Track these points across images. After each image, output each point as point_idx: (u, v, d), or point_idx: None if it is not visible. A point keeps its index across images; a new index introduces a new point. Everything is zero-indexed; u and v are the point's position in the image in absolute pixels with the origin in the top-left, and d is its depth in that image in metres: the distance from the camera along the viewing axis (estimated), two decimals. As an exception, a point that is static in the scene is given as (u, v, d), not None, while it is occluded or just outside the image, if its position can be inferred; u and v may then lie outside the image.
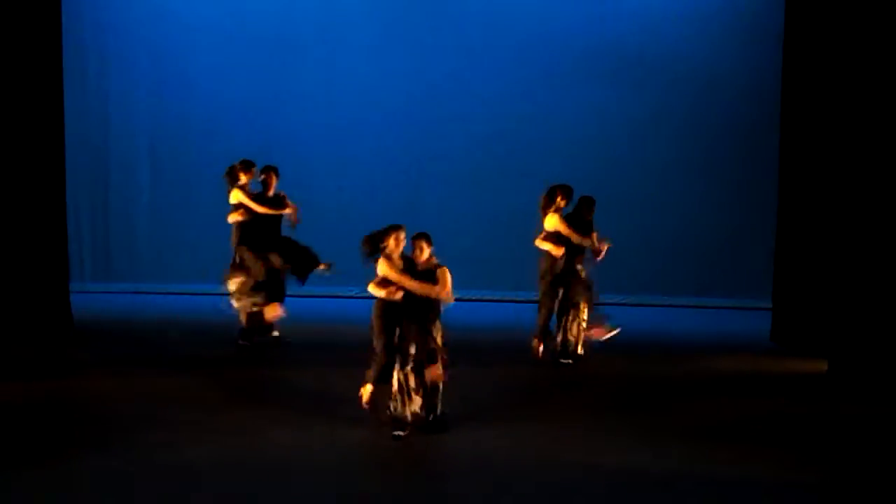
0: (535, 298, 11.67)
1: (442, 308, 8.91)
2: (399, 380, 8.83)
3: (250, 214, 11.84)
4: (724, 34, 15.36)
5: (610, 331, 11.70)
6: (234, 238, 11.95)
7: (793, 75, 12.89)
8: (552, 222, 11.38)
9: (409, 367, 8.81)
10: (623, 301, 14.52)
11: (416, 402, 8.85)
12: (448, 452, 8.66)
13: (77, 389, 10.36)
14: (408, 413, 8.83)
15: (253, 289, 11.86)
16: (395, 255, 8.84)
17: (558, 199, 11.41)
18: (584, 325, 11.58)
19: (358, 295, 13.62)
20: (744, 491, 7.87)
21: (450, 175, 15.60)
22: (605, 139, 15.46)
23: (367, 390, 8.94)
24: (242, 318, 11.99)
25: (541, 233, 11.45)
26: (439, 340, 8.85)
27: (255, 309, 11.92)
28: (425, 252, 8.87)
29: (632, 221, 15.03)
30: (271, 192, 11.97)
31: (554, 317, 11.54)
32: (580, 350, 11.60)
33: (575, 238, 11.43)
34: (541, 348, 11.53)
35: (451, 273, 8.83)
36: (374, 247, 8.83)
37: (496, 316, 14.24)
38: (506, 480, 8.04)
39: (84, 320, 13.22)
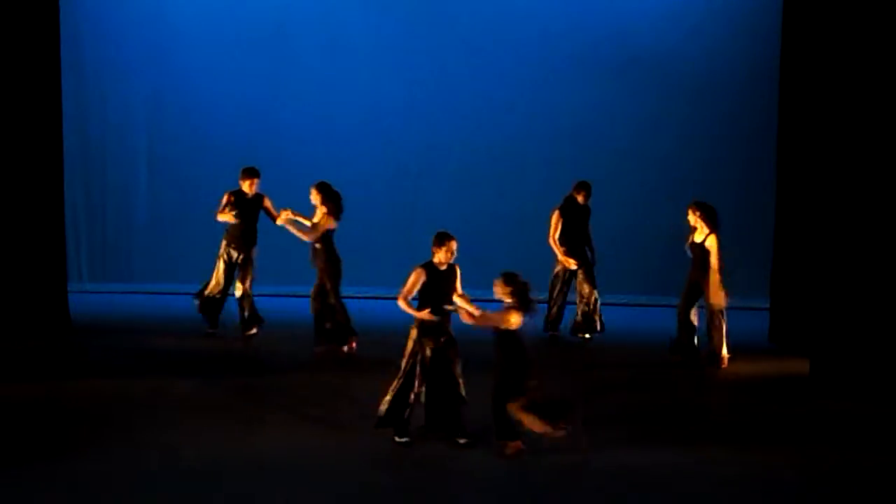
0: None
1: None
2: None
3: None
4: (722, 34, 15.36)
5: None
6: None
7: (790, 77, 12.90)
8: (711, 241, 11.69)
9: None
10: (623, 301, 14.52)
11: None
12: (447, 453, 8.65)
13: (75, 389, 10.35)
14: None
15: None
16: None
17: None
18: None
19: (356, 295, 13.63)
20: (743, 490, 7.88)
21: (450, 175, 15.59)
22: (603, 139, 15.46)
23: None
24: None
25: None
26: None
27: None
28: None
29: (630, 221, 15.05)
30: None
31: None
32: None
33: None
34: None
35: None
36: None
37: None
38: (505, 480, 8.05)
39: (82, 320, 13.21)
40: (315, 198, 11.83)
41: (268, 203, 12.50)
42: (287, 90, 15.80)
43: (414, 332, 8.75)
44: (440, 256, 8.68)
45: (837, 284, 10.86)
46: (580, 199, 12.66)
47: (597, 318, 12.77)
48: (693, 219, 11.74)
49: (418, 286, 8.66)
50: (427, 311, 8.60)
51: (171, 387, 10.46)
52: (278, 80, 15.81)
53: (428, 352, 8.71)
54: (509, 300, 8.43)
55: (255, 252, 12.54)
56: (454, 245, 8.69)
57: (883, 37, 10.54)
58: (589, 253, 12.78)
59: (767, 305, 13.44)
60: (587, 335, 12.80)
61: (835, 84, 11.27)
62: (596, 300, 12.75)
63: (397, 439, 8.75)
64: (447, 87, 15.62)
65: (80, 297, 14.33)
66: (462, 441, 8.65)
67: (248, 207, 12.47)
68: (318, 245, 11.79)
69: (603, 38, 15.42)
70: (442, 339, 8.70)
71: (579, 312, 12.81)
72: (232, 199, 12.44)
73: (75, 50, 15.24)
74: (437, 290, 8.67)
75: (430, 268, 8.69)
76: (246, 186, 12.47)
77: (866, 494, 7.87)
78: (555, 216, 12.56)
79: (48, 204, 12.74)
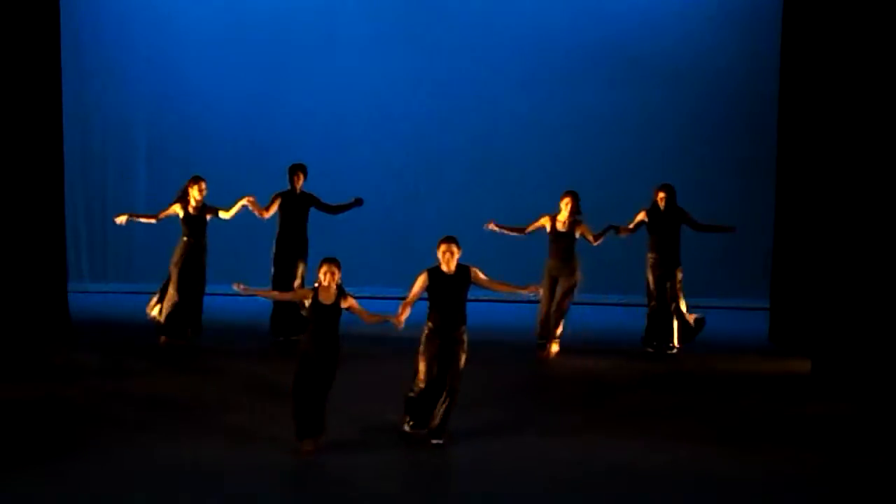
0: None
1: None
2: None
3: None
4: (722, 34, 15.35)
5: None
6: None
7: (791, 77, 12.90)
8: None
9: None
10: (622, 301, 14.51)
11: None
12: (448, 453, 8.66)
13: (75, 390, 10.35)
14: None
15: None
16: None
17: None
18: None
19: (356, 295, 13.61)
20: (742, 490, 7.89)
21: (449, 175, 15.59)
22: (603, 139, 15.45)
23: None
24: None
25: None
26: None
27: None
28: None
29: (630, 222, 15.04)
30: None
31: None
32: None
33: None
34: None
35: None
36: None
37: (494, 316, 14.22)
38: (506, 481, 8.05)
39: (82, 320, 13.20)
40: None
41: (317, 201, 12.36)
42: (288, 90, 15.78)
43: (425, 330, 8.77)
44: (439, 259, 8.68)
45: (837, 284, 10.87)
46: (659, 201, 12.31)
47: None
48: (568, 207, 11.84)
49: (421, 290, 8.66)
50: (397, 316, 8.61)
51: (169, 387, 10.46)
52: (279, 81, 15.79)
53: (433, 350, 8.71)
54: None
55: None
56: (442, 247, 8.64)
57: (883, 36, 10.55)
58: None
59: (767, 305, 13.44)
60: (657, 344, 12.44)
61: (835, 84, 11.28)
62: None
63: (407, 429, 8.82)
64: (446, 87, 15.60)
65: (80, 297, 14.32)
66: (434, 442, 8.68)
67: (294, 206, 12.31)
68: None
69: (603, 39, 15.41)
70: (442, 340, 8.69)
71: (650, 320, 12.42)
72: (279, 199, 12.27)
73: (75, 50, 15.23)
74: (441, 294, 8.65)
75: (434, 272, 8.66)
76: (290, 184, 12.31)
77: (866, 495, 7.88)
78: (640, 214, 12.29)
79: (48, 204, 12.73)
